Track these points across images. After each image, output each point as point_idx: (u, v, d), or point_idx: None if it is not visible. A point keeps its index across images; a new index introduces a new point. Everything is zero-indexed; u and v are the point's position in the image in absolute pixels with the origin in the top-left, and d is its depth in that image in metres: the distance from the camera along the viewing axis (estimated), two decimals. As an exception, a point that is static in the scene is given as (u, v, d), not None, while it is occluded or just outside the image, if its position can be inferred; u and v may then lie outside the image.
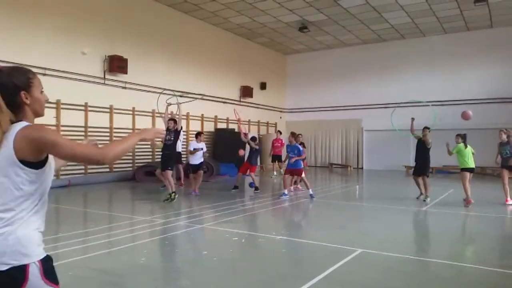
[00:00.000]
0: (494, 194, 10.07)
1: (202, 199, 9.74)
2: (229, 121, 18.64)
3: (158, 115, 13.87)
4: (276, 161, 15.95)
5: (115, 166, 13.36)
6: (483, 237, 6.39)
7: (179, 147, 11.68)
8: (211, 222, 7.31)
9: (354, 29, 18.54)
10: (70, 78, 12.19)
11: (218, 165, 15.14)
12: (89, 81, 12.77)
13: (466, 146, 9.11)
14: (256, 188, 11.00)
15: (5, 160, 1.65)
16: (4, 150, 1.65)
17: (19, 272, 1.63)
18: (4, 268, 1.62)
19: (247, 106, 20.15)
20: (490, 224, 7.39)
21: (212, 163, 14.77)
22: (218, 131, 17.76)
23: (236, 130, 17.14)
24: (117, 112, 13.62)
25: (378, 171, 19.33)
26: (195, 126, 16.69)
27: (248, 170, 11.23)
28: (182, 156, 12.68)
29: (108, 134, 13.29)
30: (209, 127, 17.69)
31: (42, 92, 1.84)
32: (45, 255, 1.74)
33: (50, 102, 10.93)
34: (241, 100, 19.84)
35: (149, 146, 14.15)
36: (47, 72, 11.35)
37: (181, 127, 9.98)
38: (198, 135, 10.82)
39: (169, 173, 9.24)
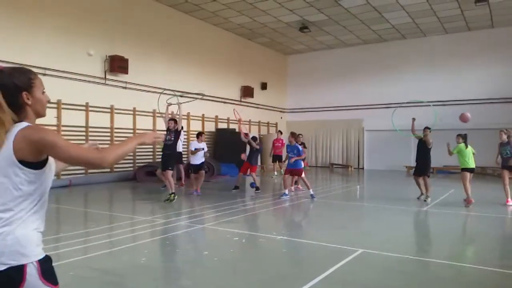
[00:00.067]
0: (495, 194, 10.06)
1: (203, 199, 9.75)
2: (230, 121, 18.65)
3: (159, 115, 13.87)
4: (277, 161, 15.95)
5: (116, 166, 13.37)
6: (484, 237, 6.39)
7: (180, 147, 11.69)
8: (212, 222, 7.32)
9: (354, 29, 18.53)
10: (70, 78, 12.21)
11: (218, 165, 15.15)
12: (89, 81, 12.79)
13: (466, 146, 9.11)
14: (257, 188, 11.01)
15: (5, 160, 1.66)
16: (4, 150, 1.65)
17: (17, 272, 1.63)
18: (2, 268, 1.62)
19: (248, 106, 20.16)
20: (490, 224, 7.39)
21: (213, 163, 14.78)
22: (219, 131, 17.77)
23: (237, 130, 17.14)
24: (118, 112, 13.64)
25: (379, 171, 19.32)
26: (196, 126, 16.70)
27: (249, 170, 11.23)
28: (183, 156, 12.68)
29: (109, 134, 13.31)
30: (210, 127, 17.69)
31: (43, 92, 1.84)
32: (44, 255, 1.73)
33: (51, 102, 10.93)
34: (242, 100, 19.85)
35: (149, 146, 14.16)
36: (48, 72, 11.36)
37: (182, 127, 9.99)
38: (199, 135, 10.84)
39: (170, 173, 9.25)
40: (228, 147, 16.14)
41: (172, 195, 8.96)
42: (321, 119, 22.32)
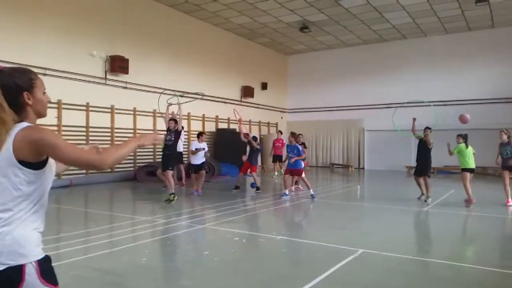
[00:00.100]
0: (495, 195, 10.06)
1: (203, 199, 9.75)
2: (230, 121, 18.65)
3: (159, 115, 13.88)
4: (277, 161, 15.96)
5: (116, 166, 13.36)
6: (484, 237, 6.38)
7: (181, 147, 11.69)
8: (212, 222, 7.32)
9: (355, 29, 18.53)
10: (71, 78, 12.21)
11: (219, 165, 15.16)
12: (90, 81, 12.79)
13: (467, 147, 9.11)
14: (258, 188, 11.01)
15: (5, 161, 1.66)
16: (4, 150, 1.65)
17: (16, 272, 1.63)
18: (1, 268, 1.62)
19: (248, 106, 20.16)
20: (491, 224, 7.39)
21: (213, 163, 14.79)
22: (219, 131, 17.76)
23: (237, 130, 17.14)
24: (118, 112, 13.64)
25: (379, 172, 19.32)
26: (196, 126, 16.71)
27: (249, 170, 11.24)
28: (184, 156, 12.69)
29: (109, 134, 13.31)
30: (210, 127, 17.69)
31: (44, 93, 1.84)
32: (43, 255, 1.73)
33: (52, 102, 10.94)
34: (242, 100, 19.85)
35: (150, 146, 14.16)
36: (48, 72, 11.36)
37: (182, 127, 9.99)
38: (200, 135, 10.85)
39: (170, 173, 9.24)
40: (229, 147, 16.14)
41: (172, 195, 8.96)
42: (321, 119, 22.32)
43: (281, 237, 6.12)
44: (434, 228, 7.25)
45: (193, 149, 10.54)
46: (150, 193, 10.67)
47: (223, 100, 18.38)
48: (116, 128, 13.49)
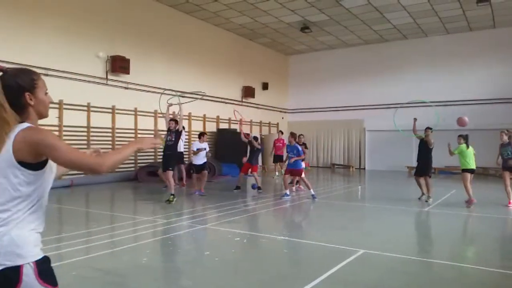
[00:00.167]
0: (496, 195, 10.06)
1: (204, 199, 9.75)
2: (231, 122, 18.65)
3: (160, 115, 13.88)
4: (278, 162, 15.95)
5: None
6: (485, 238, 6.38)
7: (182, 147, 11.69)
8: (213, 223, 7.32)
9: (356, 29, 18.53)
10: (71, 79, 12.22)
11: (220, 166, 15.16)
12: (91, 82, 12.80)
13: (468, 147, 9.10)
14: (259, 188, 11.01)
15: (5, 161, 1.65)
16: (4, 150, 1.65)
17: (13, 273, 1.62)
18: None
19: (249, 106, 20.16)
20: (491, 225, 7.38)
21: (214, 163, 14.78)
22: (220, 131, 17.77)
23: (238, 131, 17.15)
24: (119, 113, 13.65)
25: (380, 172, 19.32)
26: (197, 127, 16.71)
27: (250, 170, 11.24)
28: (184, 156, 12.69)
29: (110, 134, 13.32)
30: (211, 127, 17.69)
31: (46, 93, 1.84)
32: (42, 256, 1.72)
33: (53, 103, 10.94)
34: (243, 100, 19.85)
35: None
36: (49, 72, 11.36)
37: (183, 127, 9.99)
38: (201, 135, 10.86)
39: (170, 173, 9.23)
40: (230, 147, 16.14)
41: (171, 196, 8.95)
42: (322, 120, 22.31)
43: (282, 237, 6.12)
44: (435, 228, 7.25)
45: (195, 149, 10.54)
46: (151, 193, 10.68)
47: (224, 100, 18.38)
48: (117, 129, 13.50)
